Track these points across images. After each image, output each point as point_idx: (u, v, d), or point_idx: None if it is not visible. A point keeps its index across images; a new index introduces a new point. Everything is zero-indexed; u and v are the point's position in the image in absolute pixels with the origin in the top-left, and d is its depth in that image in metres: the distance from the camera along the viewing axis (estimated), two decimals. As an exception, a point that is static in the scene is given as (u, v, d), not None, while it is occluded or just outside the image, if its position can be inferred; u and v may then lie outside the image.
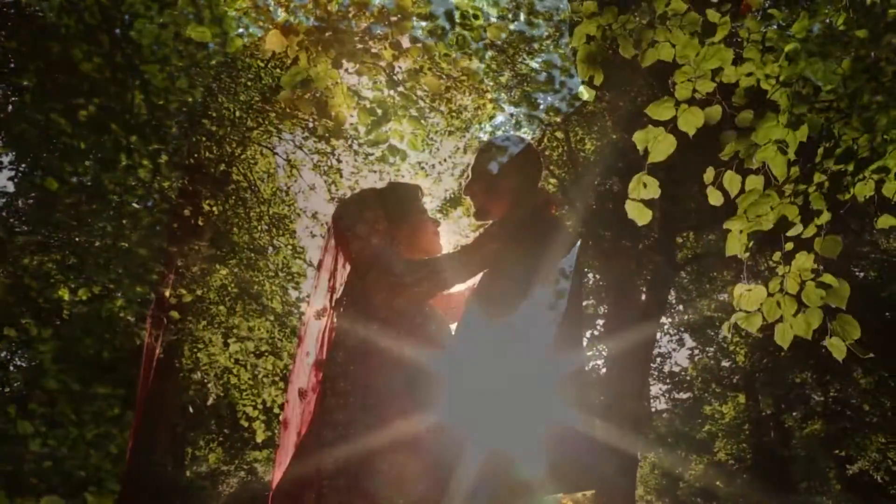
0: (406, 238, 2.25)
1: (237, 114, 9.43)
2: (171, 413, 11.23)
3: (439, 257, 2.13)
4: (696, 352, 20.03)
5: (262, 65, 11.50)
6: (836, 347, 2.32)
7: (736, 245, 2.28)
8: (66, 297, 6.10)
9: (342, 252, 2.22)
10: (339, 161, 9.70)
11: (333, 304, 2.18)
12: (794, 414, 19.04)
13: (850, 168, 2.28)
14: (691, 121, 2.32)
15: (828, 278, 2.14)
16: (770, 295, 2.27)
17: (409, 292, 2.03)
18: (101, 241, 6.21)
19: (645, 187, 2.29)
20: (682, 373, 21.18)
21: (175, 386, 11.02)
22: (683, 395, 22.06)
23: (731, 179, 2.42)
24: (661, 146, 2.32)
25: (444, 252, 2.33)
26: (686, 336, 19.85)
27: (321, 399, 1.99)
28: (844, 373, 13.92)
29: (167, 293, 6.69)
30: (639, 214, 2.39)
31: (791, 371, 15.58)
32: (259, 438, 13.31)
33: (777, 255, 2.31)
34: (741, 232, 2.23)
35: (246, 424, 11.53)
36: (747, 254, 2.23)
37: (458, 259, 2.06)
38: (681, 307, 18.55)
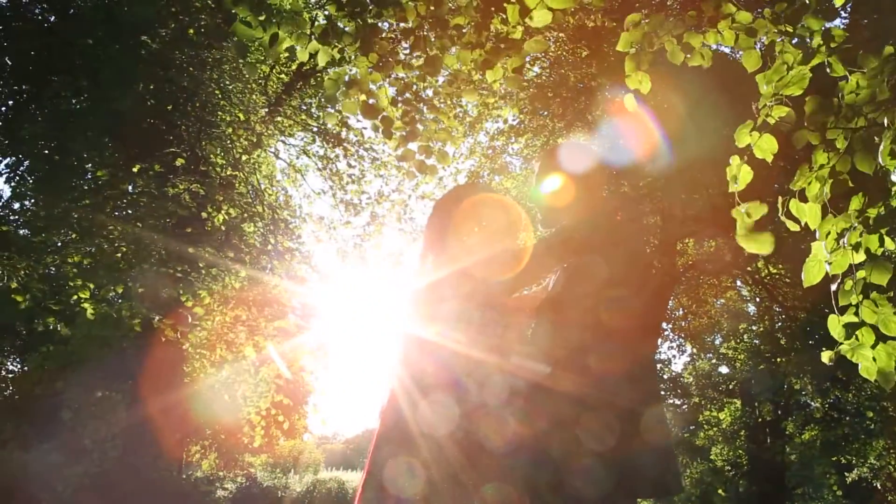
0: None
1: (243, 117, 9.36)
2: (177, 419, 11.16)
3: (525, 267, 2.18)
4: (694, 358, 20.08)
5: (267, 70, 11.42)
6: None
7: (815, 274, 2.24)
8: (86, 296, 6.07)
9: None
10: (350, 165, 9.68)
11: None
12: (792, 418, 19.10)
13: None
14: (767, 147, 2.30)
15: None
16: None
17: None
18: (119, 243, 6.18)
19: (748, 216, 2.21)
20: (680, 379, 21.21)
21: (181, 392, 10.94)
22: (678, 402, 22.11)
23: (798, 208, 2.37)
24: (742, 175, 2.30)
25: None
26: (684, 342, 19.87)
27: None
28: (843, 379, 14.00)
29: (184, 298, 6.64)
30: (757, 246, 2.24)
31: (789, 377, 15.64)
32: (256, 443, 13.20)
33: (848, 284, 2.28)
34: (828, 262, 2.19)
35: (248, 431, 11.47)
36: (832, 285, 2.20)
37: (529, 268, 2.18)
38: (679, 312, 18.57)
